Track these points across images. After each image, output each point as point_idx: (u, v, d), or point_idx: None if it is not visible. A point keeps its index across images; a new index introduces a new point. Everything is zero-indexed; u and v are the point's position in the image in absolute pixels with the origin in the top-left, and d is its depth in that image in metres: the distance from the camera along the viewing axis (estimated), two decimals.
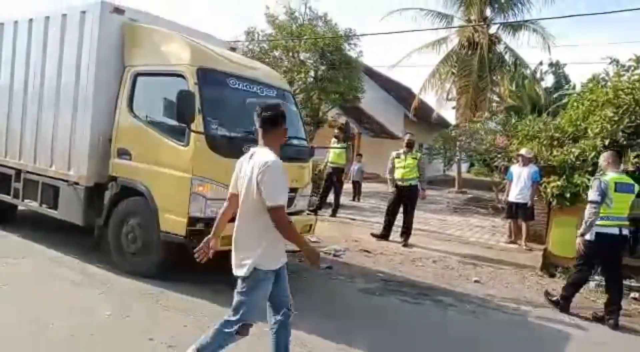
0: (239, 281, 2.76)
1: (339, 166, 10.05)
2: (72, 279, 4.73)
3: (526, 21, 17.32)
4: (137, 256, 4.98)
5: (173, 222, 4.61)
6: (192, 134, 4.54)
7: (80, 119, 5.33)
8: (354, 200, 12.93)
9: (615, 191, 4.84)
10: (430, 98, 19.95)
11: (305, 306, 4.57)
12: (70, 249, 5.66)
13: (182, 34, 5.37)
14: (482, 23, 17.55)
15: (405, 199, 7.76)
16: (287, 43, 14.90)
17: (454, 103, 19.83)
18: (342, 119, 18.51)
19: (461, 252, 7.36)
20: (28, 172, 5.95)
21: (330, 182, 10.07)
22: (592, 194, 4.88)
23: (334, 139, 10.24)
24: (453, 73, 18.29)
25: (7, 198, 6.24)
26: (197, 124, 4.54)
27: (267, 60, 15.27)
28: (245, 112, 4.60)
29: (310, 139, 15.79)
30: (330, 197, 10.33)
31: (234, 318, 2.73)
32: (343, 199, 12.04)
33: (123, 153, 5.11)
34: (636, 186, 5.05)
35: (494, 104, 18.10)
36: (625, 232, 5.00)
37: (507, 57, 18.39)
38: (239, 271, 2.74)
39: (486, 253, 7.40)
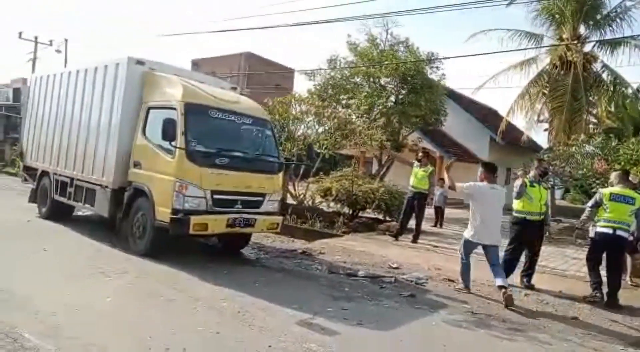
0: None
1: (420, 191, 9.72)
2: (165, 296, 5.09)
3: (626, 37, 16.04)
4: (140, 238, 6.78)
5: (163, 213, 6.35)
6: (177, 149, 6.34)
7: (111, 141, 7.36)
8: (435, 226, 12.55)
9: (610, 200, 6.11)
10: (519, 120, 19.02)
11: (388, 332, 4.52)
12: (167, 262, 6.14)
13: (185, 78, 7.36)
14: (576, 41, 16.53)
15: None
16: (368, 69, 15.12)
17: (545, 125, 18.71)
18: (424, 143, 18.25)
19: (557, 287, 6.81)
20: (78, 179, 8.08)
21: (410, 207, 9.79)
22: (589, 202, 6.55)
23: (416, 163, 10.06)
24: (544, 94, 17.33)
25: (65, 200, 8.45)
26: (181, 142, 6.34)
27: (347, 86, 15.63)
28: (221, 135, 6.87)
29: (391, 162, 15.99)
30: (412, 223, 10.09)
31: None
32: (424, 225, 11.77)
33: (137, 164, 7.04)
34: (638, 198, 6.11)
35: (591, 126, 16.80)
36: (620, 233, 6.07)
37: (604, 76, 17.08)
38: None
39: (585, 289, 6.77)
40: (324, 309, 5.03)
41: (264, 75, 32.01)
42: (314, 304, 5.15)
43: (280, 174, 7.67)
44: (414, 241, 9.54)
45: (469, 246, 6.21)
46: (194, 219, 6.21)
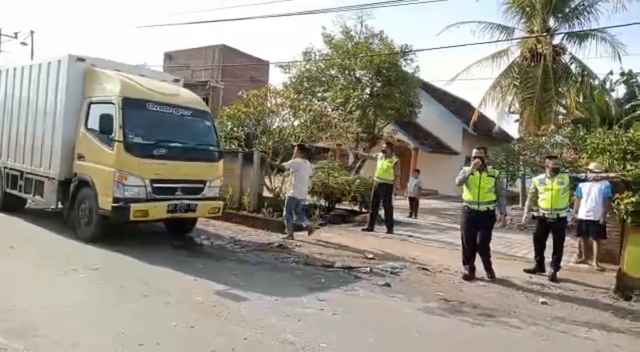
0: None
1: (386, 182, 9.76)
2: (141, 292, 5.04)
3: (593, 30, 16.46)
4: (87, 226, 7.22)
5: (105, 202, 6.84)
6: (115, 141, 6.80)
7: (56, 135, 7.74)
8: (410, 216, 12.72)
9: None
10: (490, 112, 19.35)
11: (363, 321, 4.59)
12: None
13: (125, 73, 7.72)
14: (546, 34, 16.87)
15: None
16: (343, 61, 15.12)
17: (515, 116, 19.09)
18: (398, 135, 18.41)
19: (526, 269, 7.02)
20: (27, 173, 8.40)
21: (377, 198, 9.82)
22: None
23: (380, 154, 10.12)
24: (515, 85, 17.65)
25: (16, 192, 8.75)
26: (119, 135, 6.80)
27: (323, 78, 15.61)
28: (159, 127, 7.26)
29: (366, 154, 16.07)
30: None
31: None
32: (400, 216, 11.90)
33: (80, 157, 7.47)
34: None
35: (560, 117, 17.23)
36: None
37: (573, 68, 17.49)
38: None
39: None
40: (300, 300, 5.06)
41: (239, 68, 31.64)
42: (290, 296, 5.17)
43: (221, 162, 8.16)
44: (389, 231, 9.64)
45: (292, 203, 8.48)
46: (134, 207, 6.71)
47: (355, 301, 5.29)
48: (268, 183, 11.95)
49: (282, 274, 6.25)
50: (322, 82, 15.59)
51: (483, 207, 6.45)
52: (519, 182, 16.84)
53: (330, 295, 5.36)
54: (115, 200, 6.73)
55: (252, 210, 10.96)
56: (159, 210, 7.03)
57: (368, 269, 6.64)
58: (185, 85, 9.81)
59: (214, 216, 8.23)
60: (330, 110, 14.94)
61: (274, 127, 12.24)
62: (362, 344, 4.08)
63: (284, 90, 13.80)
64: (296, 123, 12.70)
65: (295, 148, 9.03)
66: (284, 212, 8.67)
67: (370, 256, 7.48)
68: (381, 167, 9.78)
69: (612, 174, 7.10)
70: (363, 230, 9.76)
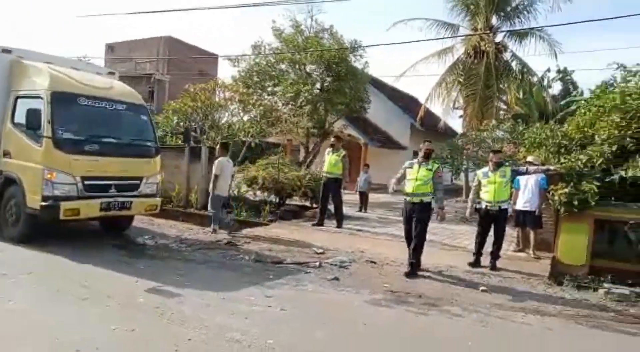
0: None
1: (335, 176, 9.78)
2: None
3: (532, 29, 17.31)
4: (14, 225, 6.91)
5: (33, 200, 6.56)
6: (44, 138, 6.51)
7: None
8: (360, 211, 12.89)
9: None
10: (436, 107, 19.94)
11: (311, 316, 4.60)
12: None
13: (56, 66, 7.35)
14: (489, 31, 17.56)
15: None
16: (293, 56, 15.04)
17: (460, 112, 19.80)
18: (349, 130, 18.59)
19: (469, 262, 7.29)
20: None
21: (327, 193, 9.85)
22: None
23: (328, 149, 10.16)
24: (459, 82, 18.29)
25: None
26: (47, 131, 6.52)
27: (273, 73, 15.47)
28: (91, 122, 7.04)
29: (316, 150, 16.13)
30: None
31: None
32: (350, 210, 12.03)
33: (6, 154, 7.13)
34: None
35: (501, 112, 18.04)
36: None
37: (513, 65, 18.35)
38: None
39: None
40: (248, 297, 5.01)
41: (186, 61, 30.80)
42: (238, 294, 5.10)
43: (158, 158, 7.98)
44: (339, 226, 9.72)
45: (217, 200, 8.59)
46: (64, 205, 6.48)
47: (303, 296, 5.29)
48: None
49: (230, 272, 6.15)
50: (272, 76, 15.43)
51: (417, 199, 6.52)
52: (463, 175, 17.49)
53: (279, 291, 5.33)
54: (44, 198, 6.47)
55: (200, 207, 10.73)
56: (91, 208, 6.81)
57: (317, 263, 6.67)
58: (129, 78, 9.50)
59: (151, 213, 8.05)
60: (280, 105, 14.84)
61: (223, 122, 12.02)
62: (309, 338, 4.09)
63: (232, 84, 13.56)
64: (246, 118, 12.53)
65: (218, 146, 9.05)
66: (210, 210, 8.72)
67: (320, 250, 7.51)
68: (329, 161, 9.79)
69: (551, 167, 7.47)
70: (313, 225, 9.78)
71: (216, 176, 8.48)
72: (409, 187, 6.58)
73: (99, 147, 6.93)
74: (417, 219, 6.55)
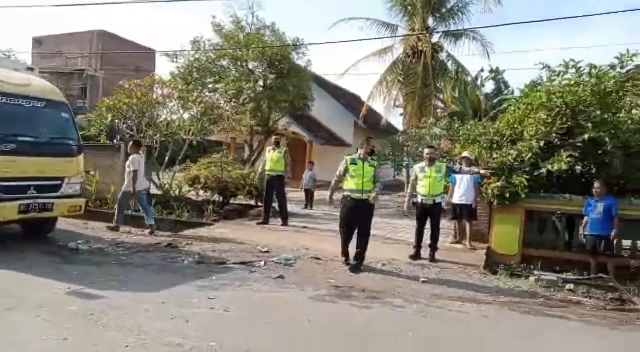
0: None
1: (278, 173, 9.72)
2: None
3: (466, 30, 18.11)
4: None
5: None
6: None
7: None
8: (306, 208, 12.93)
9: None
10: (378, 105, 20.38)
11: (255, 315, 4.55)
12: None
13: None
14: (425, 32, 18.17)
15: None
16: (234, 52, 14.80)
17: (400, 110, 20.36)
18: (293, 127, 18.59)
19: (410, 255, 7.51)
20: None
21: (271, 191, 9.79)
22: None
23: (269, 147, 10.07)
24: (399, 80, 18.79)
25: None
26: None
27: (214, 69, 15.14)
28: (7, 119, 6.59)
29: (261, 148, 15.99)
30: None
31: None
32: (295, 208, 12.04)
33: None
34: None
35: (439, 110, 18.74)
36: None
37: (449, 64, 19.10)
38: None
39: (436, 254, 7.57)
40: (190, 300, 4.86)
41: (122, 56, 29.42)
42: (178, 297, 4.95)
43: (81, 157, 7.78)
44: (284, 223, 9.70)
45: (127, 197, 8.61)
46: None
47: (248, 296, 5.22)
48: (156, 179, 11.33)
49: (170, 274, 5.95)
50: (212, 72, 15.10)
51: (365, 195, 6.61)
52: (404, 171, 18.02)
53: (222, 292, 5.23)
54: None
55: (139, 209, 10.30)
56: (8, 211, 6.50)
57: (262, 262, 6.61)
58: (59, 74, 8.98)
59: (74, 214, 7.75)
60: (222, 102, 14.56)
61: (161, 119, 11.61)
62: (253, 338, 4.04)
63: (171, 80, 13.12)
64: (186, 115, 12.19)
65: (131, 144, 8.91)
66: (119, 206, 8.70)
67: (265, 249, 7.44)
68: (272, 158, 9.71)
69: (482, 171, 7.82)
70: (258, 224, 9.69)
71: (136, 171, 8.36)
72: (356, 183, 6.54)
73: (16, 146, 6.58)
74: (367, 215, 6.67)
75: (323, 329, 4.36)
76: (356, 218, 6.67)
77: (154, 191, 11.21)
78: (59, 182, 7.17)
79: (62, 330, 3.90)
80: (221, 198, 11.29)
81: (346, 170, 6.62)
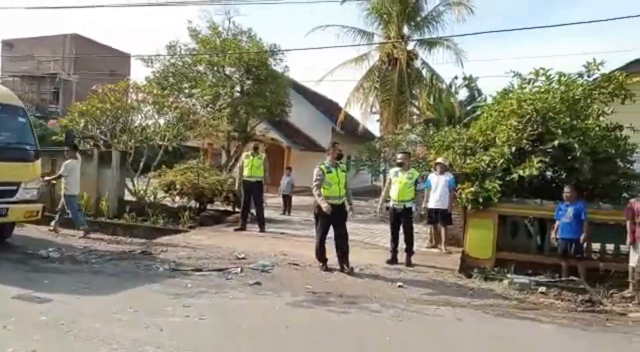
0: None
1: (258, 179, 9.69)
2: None
3: (440, 38, 18.44)
4: None
5: None
6: None
7: None
8: (284, 214, 12.90)
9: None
10: (355, 112, 20.54)
11: (231, 323, 4.50)
12: None
13: None
14: (400, 40, 18.44)
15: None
16: (211, 57, 14.72)
17: (377, 116, 20.56)
18: (271, 134, 18.56)
19: (387, 259, 7.56)
20: None
21: (250, 197, 9.73)
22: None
23: (247, 153, 9.97)
24: (376, 87, 19.00)
25: None
26: None
27: (190, 74, 15.02)
28: None
29: (238, 154, 15.89)
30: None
31: None
32: (273, 214, 11.99)
33: None
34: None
35: (414, 117, 19.01)
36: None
37: (424, 72, 19.42)
38: None
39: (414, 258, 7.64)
40: (164, 308, 4.78)
41: (96, 60, 28.87)
42: (152, 305, 4.86)
43: (38, 162, 7.74)
44: (262, 229, 9.64)
45: (74, 200, 8.78)
46: None
47: (224, 303, 5.17)
48: (130, 186, 11.14)
49: (144, 282, 5.83)
50: (189, 78, 14.98)
51: (341, 201, 6.71)
52: (382, 177, 18.18)
53: (198, 300, 5.15)
54: None
55: (113, 216, 10.12)
56: None
57: (239, 269, 6.55)
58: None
59: (31, 220, 7.66)
60: (199, 107, 14.43)
61: (136, 125, 11.43)
62: (229, 345, 4.00)
63: (146, 85, 12.95)
64: (161, 121, 12.03)
65: (67, 149, 9.01)
66: (70, 213, 8.78)
67: (242, 255, 7.38)
68: (253, 165, 9.65)
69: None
70: (236, 230, 9.61)
71: (65, 177, 8.53)
72: (334, 190, 6.64)
73: None
74: (344, 218, 6.79)
75: (300, 336, 4.35)
76: (334, 223, 6.75)
77: (128, 197, 11.04)
78: (14, 187, 7.05)
79: (30, 341, 3.77)
80: (198, 204, 11.17)
81: (322, 179, 6.63)
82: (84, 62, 28.96)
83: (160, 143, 11.43)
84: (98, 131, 11.37)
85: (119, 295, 5.20)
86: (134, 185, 11.18)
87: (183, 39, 15.71)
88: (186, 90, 15.00)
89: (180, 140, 12.07)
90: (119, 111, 11.02)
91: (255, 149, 9.95)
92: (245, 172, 9.69)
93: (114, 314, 4.52)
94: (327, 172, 6.65)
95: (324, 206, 6.50)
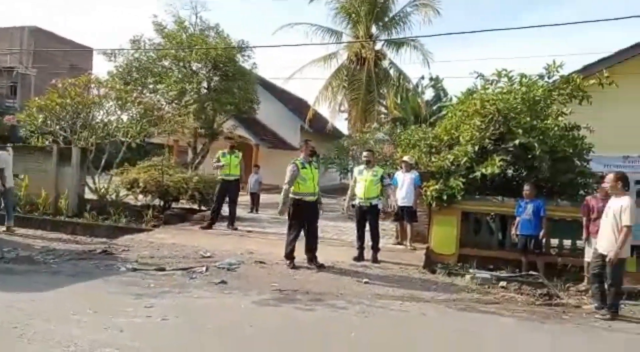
0: None
1: (237, 177, 9.72)
2: None
3: (407, 38, 18.71)
4: None
5: None
6: None
7: None
8: (252, 211, 12.80)
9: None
10: (324, 110, 20.59)
11: (195, 323, 4.42)
12: None
13: None
14: (368, 39, 18.60)
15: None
16: (177, 53, 14.41)
17: (345, 115, 20.69)
18: (239, 131, 18.34)
19: (354, 257, 7.60)
20: None
21: (224, 195, 9.67)
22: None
23: (224, 151, 9.87)
24: (344, 86, 19.10)
25: None
26: None
27: (155, 69, 14.67)
28: None
29: (205, 150, 15.63)
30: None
31: None
32: (241, 212, 11.85)
33: None
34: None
35: (382, 116, 19.23)
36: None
37: (392, 72, 19.65)
38: None
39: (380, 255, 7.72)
40: (125, 309, 4.64)
41: (57, 54, 27.79)
42: (113, 306, 4.71)
43: None
44: (234, 227, 9.54)
45: (12, 193, 8.83)
46: None
47: (188, 303, 5.07)
48: (91, 183, 10.79)
49: (104, 283, 5.66)
50: (154, 73, 14.62)
51: (315, 198, 6.79)
52: (350, 175, 18.29)
53: (161, 300, 5.04)
54: None
55: (72, 215, 9.78)
56: None
57: (204, 268, 6.44)
58: None
59: None
60: (164, 103, 14.10)
61: (97, 120, 11.08)
62: (192, 346, 3.92)
63: (109, 80, 12.56)
64: (125, 117, 11.69)
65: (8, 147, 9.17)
66: (6, 206, 8.70)
67: (207, 254, 7.27)
68: (233, 163, 9.61)
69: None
70: (202, 228, 9.46)
71: (2, 170, 8.47)
72: (308, 186, 6.71)
73: None
74: (316, 217, 6.87)
75: (266, 334, 4.31)
76: (307, 220, 6.80)
77: (89, 195, 10.69)
78: None
79: None
80: (162, 203, 10.93)
81: (297, 175, 6.63)
82: (44, 55, 27.83)
83: (123, 139, 11.11)
84: (57, 127, 10.96)
85: (78, 296, 5.02)
86: (95, 183, 10.82)
87: (148, 34, 15.32)
88: (151, 86, 14.64)
89: (144, 137, 11.76)
90: (80, 106, 10.63)
91: (232, 147, 9.86)
92: (224, 171, 9.59)
93: (72, 315, 4.37)
94: (302, 168, 6.69)
95: (281, 207, 6.65)
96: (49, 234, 8.76)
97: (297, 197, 6.77)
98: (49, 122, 10.86)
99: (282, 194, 6.74)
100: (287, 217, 6.93)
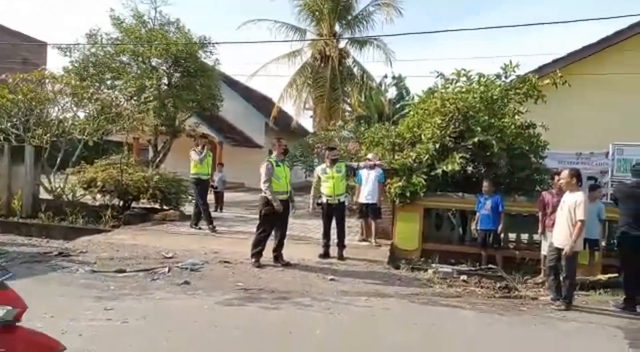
0: None
1: (208, 176, 9.67)
2: None
3: (370, 37, 18.91)
4: None
5: None
6: None
7: None
8: (216, 210, 12.60)
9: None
10: (289, 107, 20.54)
11: (157, 325, 4.32)
12: None
13: None
14: (332, 38, 18.67)
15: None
16: (135, 48, 13.99)
17: (310, 112, 20.72)
18: (201, 128, 18.01)
19: (319, 254, 7.63)
20: None
21: (205, 193, 9.51)
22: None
23: (198, 149, 9.65)
24: (309, 84, 19.12)
25: None
26: None
27: (113, 65, 14.20)
28: None
29: (167, 148, 15.28)
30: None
31: None
32: None
33: None
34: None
35: (347, 113, 19.36)
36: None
37: (355, 70, 19.83)
38: None
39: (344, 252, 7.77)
40: (84, 312, 4.49)
41: (6, 48, 26.43)
42: (71, 310, 4.54)
43: None
44: (193, 226, 9.37)
45: None
46: None
47: (149, 305, 4.95)
48: (46, 183, 10.35)
49: (61, 286, 5.45)
50: (111, 68, 14.15)
51: (287, 196, 6.81)
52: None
53: (120, 302, 4.89)
54: None
55: (27, 216, 9.36)
56: None
57: (166, 269, 6.31)
58: None
59: None
60: (122, 100, 13.67)
61: (52, 118, 10.63)
62: (154, 348, 3.84)
63: (64, 75, 12.07)
64: (81, 114, 11.29)
65: None
66: None
67: (169, 254, 7.12)
68: (207, 162, 9.47)
69: (384, 164, 8.23)
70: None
71: None
72: (282, 185, 6.72)
73: None
74: (288, 215, 6.89)
75: (231, 334, 4.27)
76: (280, 219, 6.79)
77: (44, 195, 10.26)
78: None
79: None
80: (121, 202, 10.61)
81: (272, 172, 6.59)
82: None
83: (80, 137, 10.72)
84: (9, 124, 10.45)
85: (33, 300, 4.74)
86: (50, 182, 10.39)
87: (105, 28, 14.80)
88: (108, 82, 14.18)
89: (101, 135, 11.37)
90: (33, 103, 10.18)
91: (203, 146, 9.61)
92: (201, 170, 9.38)
93: (27, 320, 4.15)
94: (276, 166, 6.69)
95: (276, 205, 6.50)
96: (1, 236, 8.35)
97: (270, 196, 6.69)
98: None
99: (286, 195, 6.76)
100: (258, 216, 6.89)
